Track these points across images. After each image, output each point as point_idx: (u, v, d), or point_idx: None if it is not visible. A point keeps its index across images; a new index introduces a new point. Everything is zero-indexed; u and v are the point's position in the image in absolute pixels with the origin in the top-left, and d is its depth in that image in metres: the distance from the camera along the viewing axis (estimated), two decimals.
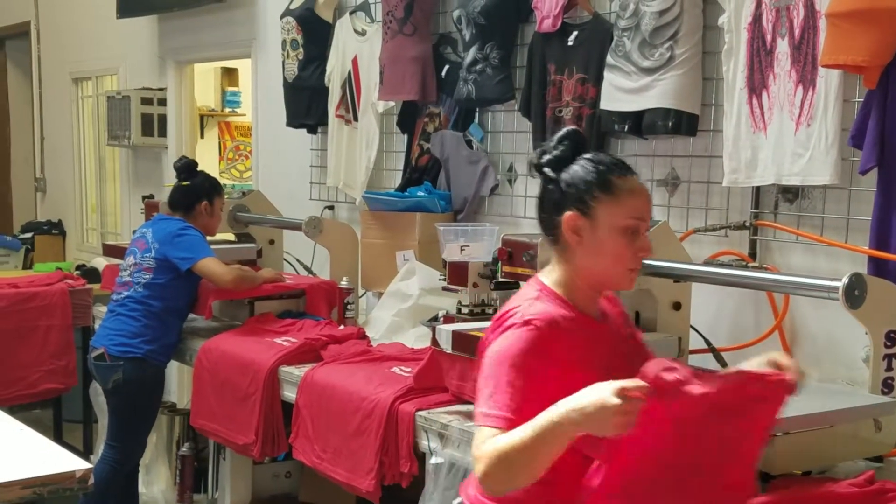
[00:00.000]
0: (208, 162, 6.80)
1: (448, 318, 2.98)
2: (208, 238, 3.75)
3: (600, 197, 1.75)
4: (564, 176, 1.78)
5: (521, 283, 2.51)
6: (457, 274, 2.95)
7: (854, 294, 2.07)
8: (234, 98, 7.08)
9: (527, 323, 1.70)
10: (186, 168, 3.79)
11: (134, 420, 3.63)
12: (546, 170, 1.79)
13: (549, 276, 1.84)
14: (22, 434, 2.22)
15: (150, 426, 3.77)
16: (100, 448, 3.82)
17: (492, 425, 1.61)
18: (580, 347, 1.74)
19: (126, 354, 3.51)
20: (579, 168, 1.78)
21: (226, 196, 4.04)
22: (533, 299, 1.77)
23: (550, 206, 1.80)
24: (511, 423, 1.59)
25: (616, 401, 1.46)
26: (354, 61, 4.23)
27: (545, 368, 1.68)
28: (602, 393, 1.48)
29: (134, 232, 3.85)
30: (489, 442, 1.58)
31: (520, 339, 1.69)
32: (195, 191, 3.71)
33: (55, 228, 7.27)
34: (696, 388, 1.51)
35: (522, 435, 1.55)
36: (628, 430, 1.48)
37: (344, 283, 3.67)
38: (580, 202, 1.76)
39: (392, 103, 4.07)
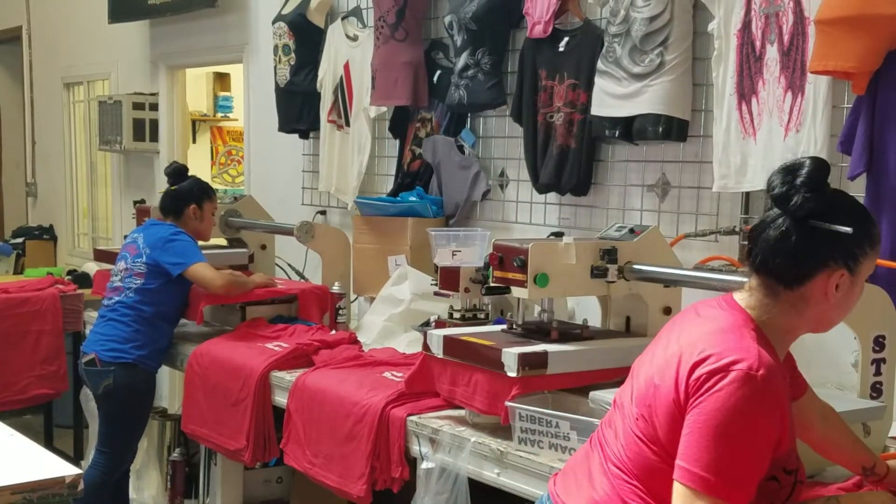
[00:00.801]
0: (200, 167, 6.79)
1: (440, 323, 2.99)
2: (200, 243, 3.75)
3: (868, 253, 1.60)
4: (826, 224, 1.55)
5: (512, 288, 2.51)
6: (448, 279, 2.96)
7: None
8: (227, 103, 7.08)
9: (763, 371, 1.48)
10: (177, 173, 3.78)
11: (124, 426, 3.62)
12: (812, 219, 1.55)
13: (757, 312, 1.61)
14: (12, 440, 2.21)
15: (141, 432, 3.77)
16: (90, 454, 3.81)
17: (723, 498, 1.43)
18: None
19: (117, 360, 3.50)
20: (846, 218, 1.55)
21: (218, 201, 4.03)
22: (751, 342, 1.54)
23: (807, 255, 1.56)
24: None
25: None
26: (346, 66, 4.23)
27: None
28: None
29: (125, 237, 3.84)
30: None
31: (753, 393, 1.47)
32: (184, 195, 3.70)
33: (46, 233, 7.25)
34: None
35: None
36: None
37: (336, 288, 3.67)
38: (851, 258, 1.58)
39: (384, 108, 4.08)
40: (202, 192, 3.75)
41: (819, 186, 1.56)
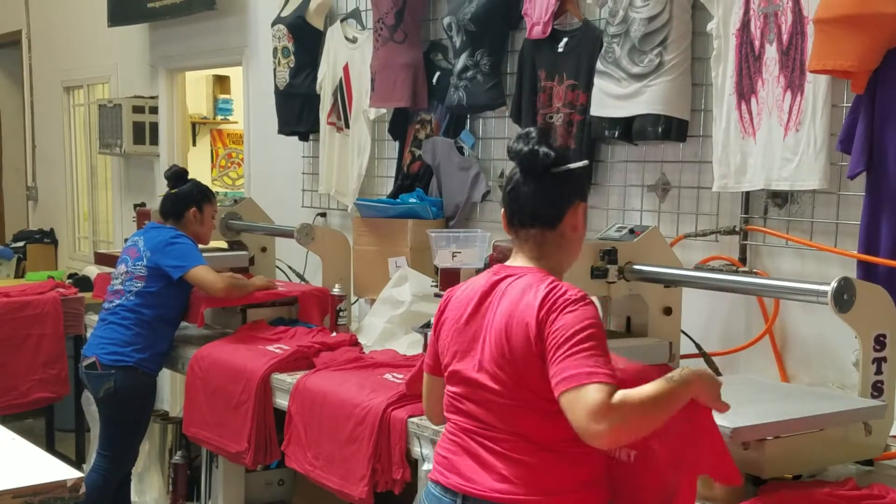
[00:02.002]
0: (200, 170, 6.81)
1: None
2: (200, 246, 3.75)
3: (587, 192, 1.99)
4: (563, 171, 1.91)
5: None
6: (449, 280, 2.96)
7: (843, 298, 2.08)
8: (226, 106, 7.09)
9: (585, 297, 1.81)
10: (176, 176, 3.78)
11: (125, 429, 3.62)
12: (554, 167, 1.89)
13: (539, 264, 1.93)
14: (13, 444, 2.21)
15: (142, 435, 3.76)
16: (92, 457, 3.81)
17: (605, 382, 1.69)
18: None
19: (117, 363, 3.50)
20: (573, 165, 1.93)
21: (218, 204, 4.03)
22: (557, 281, 1.87)
23: (556, 198, 1.91)
24: (617, 382, 1.71)
25: (719, 381, 1.80)
26: (346, 68, 4.24)
27: None
28: (708, 373, 1.82)
29: (126, 240, 3.84)
30: (619, 395, 1.68)
31: (594, 311, 1.79)
32: (184, 198, 3.70)
33: (47, 237, 7.26)
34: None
35: (656, 391, 1.70)
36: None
37: (336, 290, 3.67)
38: (583, 195, 1.95)
39: (383, 110, 4.08)
40: (202, 195, 3.75)
41: (548, 137, 1.91)
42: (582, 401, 1.68)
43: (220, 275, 3.55)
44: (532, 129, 1.92)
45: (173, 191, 3.73)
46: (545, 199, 1.90)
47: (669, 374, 1.74)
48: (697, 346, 2.81)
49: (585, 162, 1.96)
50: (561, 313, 1.77)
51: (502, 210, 1.98)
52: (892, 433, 2.23)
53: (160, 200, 3.79)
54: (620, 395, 1.68)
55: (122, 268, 3.65)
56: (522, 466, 1.83)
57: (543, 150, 1.88)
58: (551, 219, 1.91)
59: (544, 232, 1.92)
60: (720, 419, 1.83)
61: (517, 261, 1.96)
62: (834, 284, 2.07)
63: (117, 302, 3.59)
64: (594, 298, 2.64)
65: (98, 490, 3.53)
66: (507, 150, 1.95)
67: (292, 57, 4.45)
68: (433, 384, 2.09)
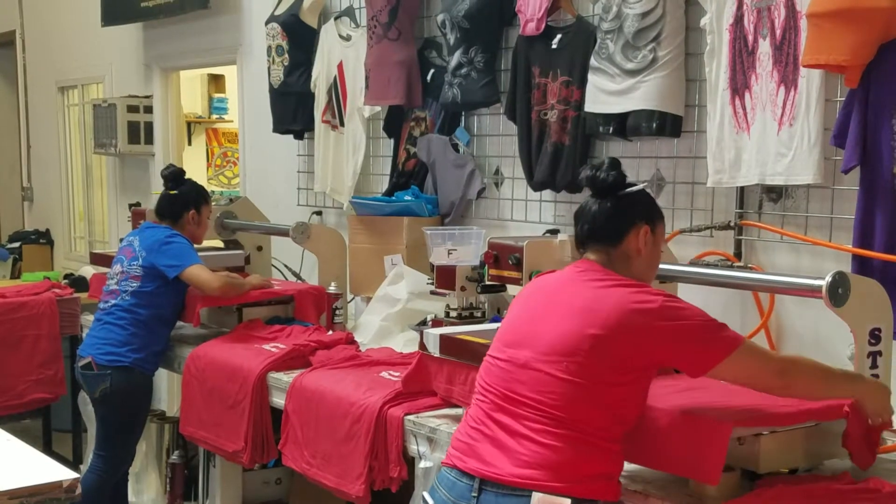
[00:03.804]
0: (196, 169, 6.80)
1: (436, 322, 2.99)
2: (196, 245, 3.75)
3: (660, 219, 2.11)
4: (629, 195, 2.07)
5: (507, 285, 2.52)
6: (444, 278, 2.96)
7: (838, 292, 2.08)
8: (221, 105, 7.08)
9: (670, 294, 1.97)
10: (174, 176, 3.77)
11: (122, 429, 3.61)
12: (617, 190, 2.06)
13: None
14: (8, 444, 2.21)
15: (139, 435, 3.76)
16: (89, 457, 3.81)
17: (745, 339, 1.93)
18: None
19: (113, 363, 3.50)
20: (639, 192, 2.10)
21: (213, 203, 4.03)
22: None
23: (616, 217, 2.05)
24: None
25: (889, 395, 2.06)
26: (340, 66, 4.23)
27: None
28: (885, 387, 2.08)
29: (121, 240, 3.84)
30: (789, 354, 2.06)
31: (679, 300, 1.97)
32: (183, 199, 3.70)
33: (42, 237, 7.24)
34: None
35: (830, 369, 2.00)
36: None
37: (332, 289, 3.67)
38: (646, 218, 2.06)
39: (378, 108, 4.08)
40: (200, 196, 3.75)
41: (617, 166, 2.07)
42: (751, 361, 1.91)
43: (215, 274, 3.54)
44: (605, 159, 2.09)
45: (173, 192, 3.72)
46: (605, 218, 2.04)
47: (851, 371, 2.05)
48: None
49: (642, 185, 2.12)
50: (657, 313, 1.89)
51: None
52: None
53: (157, 200, 3.79)
54: (794, 357, 2.02)
55: (117, 268, 3.65)
56: (549, 451, 1.85)
57: (603, 174, 2.05)
58: (611, 236, 2.03)
59: (608, 249, 2.04)
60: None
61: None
62: (828, 279, 2.07)
63: (113, 302, 3.59)
64: None
65: (95, 490, 3.53)
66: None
67: (286, 55, 4.44)
68: None
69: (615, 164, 2.07)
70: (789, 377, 1.93)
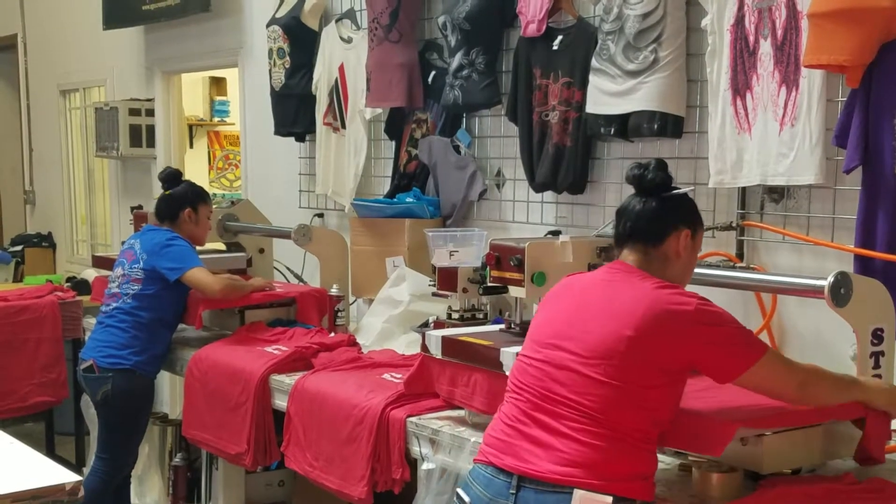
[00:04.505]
0: (198, 171, 6.80)
1: (438, 324, 2.99)
2: (198, 248, 3.75)
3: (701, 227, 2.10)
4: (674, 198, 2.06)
5: (509, 287, 2.52)
6: (446, 279, 2.96)
7: (840, 292, 2.08)
8: (223, 107, 7.08)
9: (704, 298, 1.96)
10: (170, 177, 3.77)
11: (123, 432, 3.61)
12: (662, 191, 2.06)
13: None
14: (12, 447, 2.22)
15: (141, 438, 3.76)
16: (91, 460, 3.81)
17: (770, 347, 1.95)
18: None
19: (115, 366, 3.50)
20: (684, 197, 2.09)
21: (215, 206, 4.03)
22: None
23: (657, 217, 2.04)
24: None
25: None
26: (341, 69, 4.23)
27: None
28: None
29: (123, 243, 3.84)
30: (805, 364, 2.01)
31: (715, 306, 1.95)
32: (178, 199, 3.69)
33: (45, 241, 7.25)
34: None
35: (840, 376, 2.03)
36: None
37: (334, 291, 3.67)
38: (688, 224, 2.06)
39: (379, 110, 4.08)
40: (196, 195, 3.74)
41: (664, 168, 2.05)
42: (775, 371, 1.93)
43: (217, 276, 3.54)
44: (653, 159, 2.08)
45: (168, 192, 3.73)
46: (647, 217, 2.03)
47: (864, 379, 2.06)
48: None
49: (690, 188, 2.11)
50: (690, 316, 1.89)
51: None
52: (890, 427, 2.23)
53: (156, 202, 3.79)
54: (811, 365, 2.01)
55: (118, 271, 3.65)
56: (590, 449, 1.85)
57: (651, 174, 2.04)
58: (651, 236, 2.02)
59: (647, 249, 2.03)
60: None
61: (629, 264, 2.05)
62: (831, 279, 2.07)
63: (114, 305, 3.59)
64: None
65: (97, 493, 3.53)
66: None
67: (288, 58, 4.44)
68: None
69: (662, 164, 2.06)
70: (808, 389, 1.96)
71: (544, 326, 2.04)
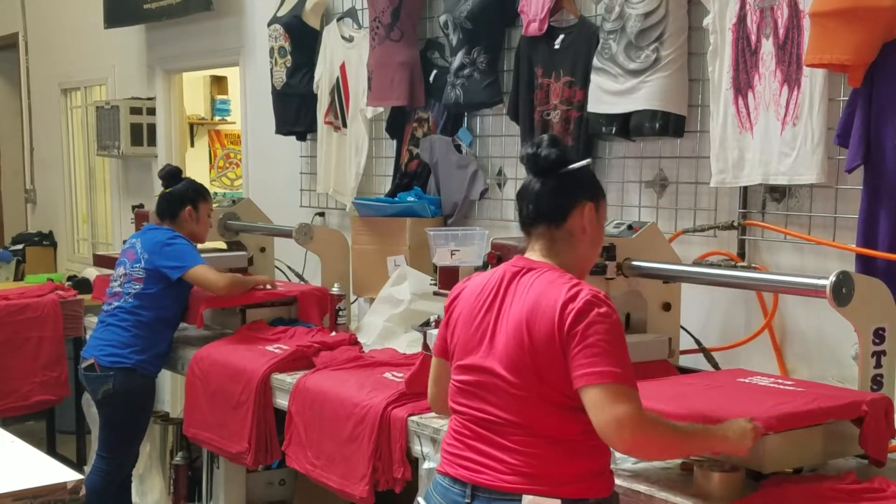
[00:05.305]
0: (199, 170, 6.80)
1: (439, 323, 2.98)
2: (199, 246, 3.74)
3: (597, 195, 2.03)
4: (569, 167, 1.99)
5: None
6: (448, 278, 2.96)
7: (842, 292, 2.08)
8: (224, 106, 7.08)
9: (607, 299, 1.86)
10: (170, 175, 3.76)
11: (124, 431, 3.61)
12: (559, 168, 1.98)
13: (553, 262, 1.96)
14: (13, 446, 2.22)
15: (141, 437, 3.76)
16: (92, 459, 3.81)
17: (633, 387, 1.79)
18: None
19: (116, 365, 3.49)
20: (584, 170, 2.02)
21: (216, 205, 4.02)
22: (579, 280, 1.92)
23: (559, 196, 1.97)
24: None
25: (752, 435, 1.87)
26: (342, 68, 4.23)
27: None
28: (746, 427, 1.87)
29: (124, 242, 3.84)
30: (650, 415, 1.79)
31: (615, 317, 1.84)
32: (179, 197, 3.68)
33: (46, 239, 7.26)
34: None
35: (686, 429, 1.85)
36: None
37: (335, 290, 3.67)
38: (590, 196, 2.00)
39: (381, 109, 4.08)
40: (197, 193, 3.73)
41: (557, 143, 1.99)
42: (610, 404, 1.75)
43: (221, 273, 3.54)
44: (544, 136, 2.02)
45: (168, 190, 3.72)
46: (548, 197, 1.97)
47: (715, 427, 1.87)
48: (697, 341, 2.81)
49: (586, 161, 2.03)
50: (583, 314, 1.80)
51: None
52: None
53: (156, 201, 3.79)
54: (654, 415, 1.81)
55: (120, 270, 3.65)
56: (533, 458, 1.85)
57: (545, 151, 1.96)
58: (555, 215, 1.96)
59: (551, 229, 1.97)
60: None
61: (533, 256, 1.99)
62: (832, 278, 2.07)
63: (116, 304, 3.59)
64: None
65: (98, 492, 3.53)
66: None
67: (289, 57, 4.44)
68: (441, 369, 2.11)
69: (555, 140, 2.00)
70: (642, 430, 1.78)
71: (463, 341, 1.98)
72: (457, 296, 2.06)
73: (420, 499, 2.04)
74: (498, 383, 1.89)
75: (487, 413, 1.90)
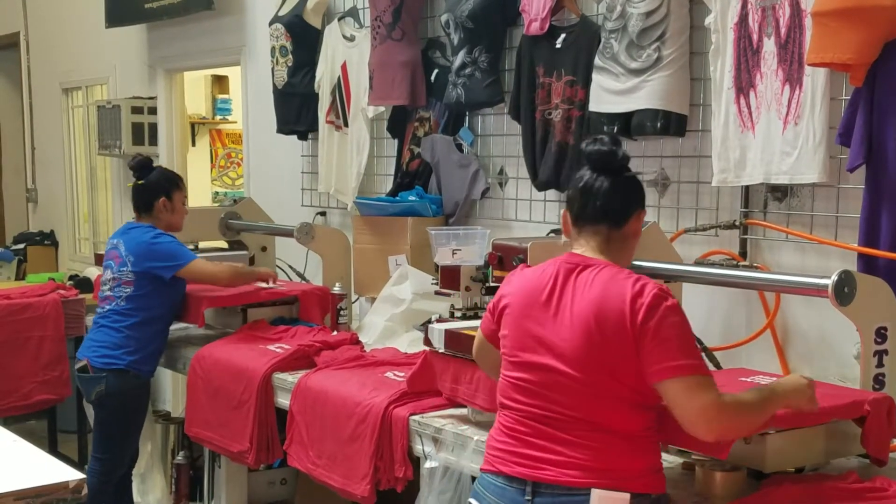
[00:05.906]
0: (200, 170, 6.81)
1: (441, 322, 2.98)
2: (200, 245, 3.73)
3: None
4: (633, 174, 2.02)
5: None
6: (449, 278, 2.95)
7: (844, 291, 2.07)
8: (225, 105, 7.09)
9: (670, 292, 1.88)
10: (140, 166, 3.64)
11: (118, 432, 3.58)
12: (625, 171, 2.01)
13: (606, 258, 1.98)
14: (15, 445, 2.21)
15: (136, 438, 3.73)
16: None
17: (709, 375, 1.83)
18: None
19: (109, 366, 3.46)
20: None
21: (217, 204, 4.00)
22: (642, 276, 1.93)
23: (626, 198, 1.99)
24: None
25: (810, 387, 1.92)
26: (344, 67, 4.23)
27: None
28: (802, 381, 1.93)
29: (106, 243, 3.77)
30: (727, 398, 1.80)
31: (681, 308, 1.87)
32: (152, 189, 3.58)
33: (47, 239, 7.26)
34: None
35: (756, 399, 1.85)
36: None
37: (337, 289, 3.67)
38: (644, 205, 2.03)
39: (382, 108, 4.07)
40: (170, 182, 3.63)
41: (621, 144, 2.00)
42: (693, 396, 1.78)
43: (221, 264, 3.53)
44: (603, 136, 2.02)
45: (140, 182, 3.62)
46: (617, 197, 1.98)
47: (775, 382, 1.93)
48: (699, 340, 2.80)
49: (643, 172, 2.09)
50: (654, 308, 1.82)
51: (565, 209, 2.03)
52: None
53: (131, 194, 3.69)
54: (730, 396, 1.82)
55: (108, 273, 3.59)
56: (600, 453, 1.85)
57: (622, 151, 1.98)
58: (618, 217, 1.97)
59: (610, 229, 1.97)
60: None
61: (587, 253, 1.98)
62: (834, 278, 2.07)
63: (108, 307, 3.54)
64: None
65: (95, 493, 3.49)
66: (581, 151, 2.03)
67: (290, 56, 4.44)
68: (487, 350, 2.14)
69: (619, 141, 2.00)
70: (719, 424, 1.80)
71: (518, 338, 1.97)
72: (509, 288, 2.05)
73: (472, 500, 2.00)
74: (562, 380, 1.88)
75: (549, 410, 1.89)
